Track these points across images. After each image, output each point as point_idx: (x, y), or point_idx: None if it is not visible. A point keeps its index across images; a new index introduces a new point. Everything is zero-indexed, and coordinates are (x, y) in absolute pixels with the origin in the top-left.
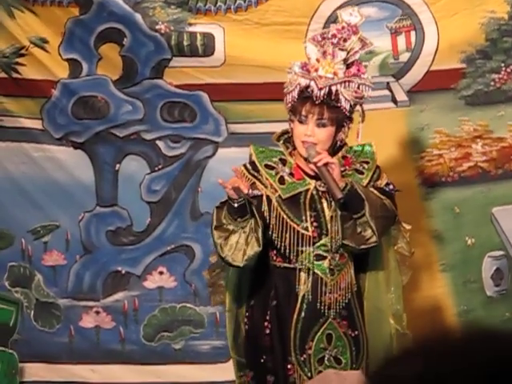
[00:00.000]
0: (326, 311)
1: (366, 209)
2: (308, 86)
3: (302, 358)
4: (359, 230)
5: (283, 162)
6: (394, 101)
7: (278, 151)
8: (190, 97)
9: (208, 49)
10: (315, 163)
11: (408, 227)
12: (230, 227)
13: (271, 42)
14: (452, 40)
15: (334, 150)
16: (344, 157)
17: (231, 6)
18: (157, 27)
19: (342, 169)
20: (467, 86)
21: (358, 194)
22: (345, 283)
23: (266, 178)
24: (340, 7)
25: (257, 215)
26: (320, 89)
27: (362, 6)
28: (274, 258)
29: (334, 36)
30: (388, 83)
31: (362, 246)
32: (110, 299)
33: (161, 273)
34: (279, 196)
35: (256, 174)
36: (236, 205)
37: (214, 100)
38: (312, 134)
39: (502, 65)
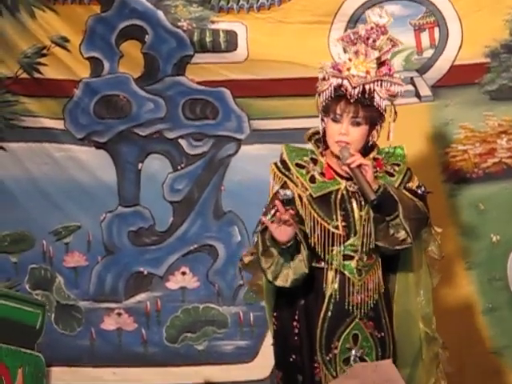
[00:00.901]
0: (353, 311)
1: (399, 210)
2: (341, 85)
3: (328, 358)
4: (392, 231)
5: (314, 161)
6: (418, 96)
7: (308, 150)
8: (212, 93)
9: (231, 45)
10: (349, 165)
11: (439, 230)
12: (274, 252)
13: (294, 39)
14: (476, 35)
15: (365, 150)
16: (375, 158)
17: (254, 5)
18: (179, 24)
19: (374, 170)
20: (491, 80)
21: (391, 196)
22: (372, 284)
23: (297, 177)
24: (363, 5)
25: (299, 235)
26: (354, 87)
27: (385, 4)
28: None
29: (364, 36)
30: (412, 78)
31: (397, 247)
32: (132, 301)
33: (183, 273)
34: (310, 195)
35: (287, 172)
36: (284, 247)
37: (236, 96)
38: (346, 132)
39: None
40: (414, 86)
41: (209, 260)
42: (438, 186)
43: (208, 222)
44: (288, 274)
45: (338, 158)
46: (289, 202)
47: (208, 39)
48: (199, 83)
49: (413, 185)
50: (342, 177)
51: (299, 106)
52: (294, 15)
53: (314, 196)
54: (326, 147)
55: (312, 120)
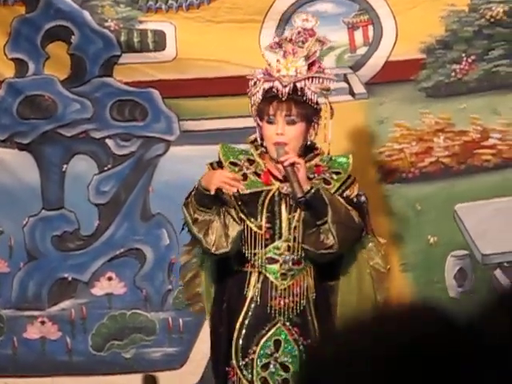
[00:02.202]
0: (275, 316)
1: (328, 214)
2: (272, 87)
3: (244, 362)
4: (322, 237)
5: (250, 161)
6: (352, 93)
7: (247, 151)
8: (141, 94)
9: (159, 45)
10: (282, 162)
11: (383, 241)
12: (207, 217)
13: (225, 38)
14: (411, 32)
15: (305, 151)
16: (317, 165)
17: (183, 4)
18: (106, 24)
19: (311, 176)
20: (427, 77)
21: (322, 199)
22: (299, 289)
23: None
24: (294, 3)
25: (227, 200)
26: (285, 86)
27: (318, 2)
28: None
29: (291, 40)
30: (345, 75)
31: (322, 251)
32: (56, 308)
33: (110, 278)
34: (237, 191)
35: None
36: (213, 192)
37: (165, 97)
38: (282, 131)
39: (463, 55)
40: (348, 83)
41: (136, 264)
42: (372, 185)
43: (135, 225)
44: (225, 236)
45: (277, 162)
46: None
47: (136, 39)
48: (127, 84)
49: (351, 193)
50: (277, 179)
51: (230, 105)
52: (224, 14)
53: (242, 193)
54: (267, 151)
55: (244, 120)
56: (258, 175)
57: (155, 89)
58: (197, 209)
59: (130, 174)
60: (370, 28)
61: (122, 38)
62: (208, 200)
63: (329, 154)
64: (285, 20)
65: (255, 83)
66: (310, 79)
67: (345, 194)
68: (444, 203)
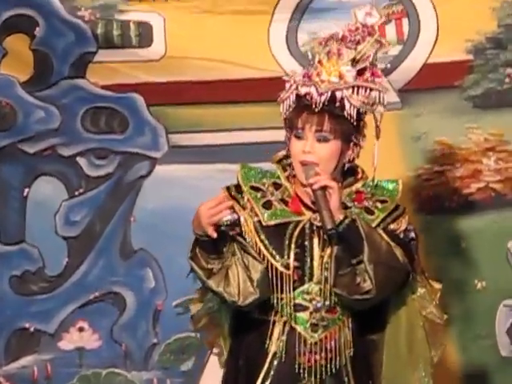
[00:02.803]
0: (304, 376)
1: (364, 251)
2: (307, 94)
3: None
4: (358, 279)
5: (276, 185)
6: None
7: (272, 174)
8: (121, 100)
9: (144, 40)
10: (311, 185)
11: (438, 286)
12: (220, 265)
13: (225, 33)
14: (455, 27)
15: (344, 175)
16: (358, 192)
17: None
18: (79, 14)
19: (349, 204)
20: (475, 83)
21: (357, 232)
22: (334, 344)
23: (248, 200)
24: None
25: (239, 238)
26: (320, 94)
27: None
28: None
29: (344, 38)
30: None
31: (356, 296)
32: (15, 365)
33: (81, 329)
34: (259, 221)
35: (238, 196)
36: (214, 235)
37: (150, 104)
38: (311, 149)
39: None
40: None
41: (114, 312)
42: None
43: (113, 263)
44: (249, 279)
45: (305, 185)
46: (233, 226)
47: (115, 32)
48: (104, 87)
49: (398, 227)
50: (309, 209)
51: (232, 115)
52: (225, 4)
53: (265, 223)
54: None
55: (251, 134)
56: (286, 203)
57: (138, 94)
58: (208, 258)
59: (106, 200)
60: (405, 22)
61: (99, 31)
62: (213, 245)
63: (373, 180)
64: (300, 10)
65: (290, 87)
66: (355, 89)
67: (389, 228)
68: (495, 240)
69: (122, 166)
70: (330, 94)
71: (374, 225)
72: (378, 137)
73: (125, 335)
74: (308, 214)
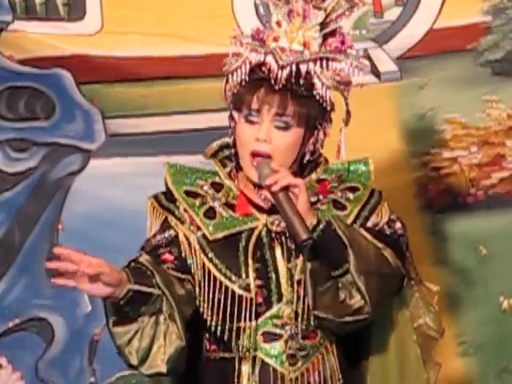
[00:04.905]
0: None
1: (350, 260)
2: (263, 64)
3: None
4: (343, 295)
5: (217, 186)
6: (376, 73)
7: (209, 172)
8: (44, 78)
9: (75, 10)
10: (269, 187)
11: (435, 288)
12: (138, 320)
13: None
14: None
15: (301, 167)
16: (319, 180)
17: None
18: None
19: (313, 199)
20: (495, 45)
21: (337, 238)
22: (318, 377)
23: (185, 210)
24: None
25: (167, 291)
26: (282, 67)
27: None
28: (207, 345)
29: None
30: (366, 50)
31: (347, 319)
32: None
33: None
34: (203, 236)
35: (171, 206)
36: (122, 302)
37: (82, 82)
38: (268, 138)
39: None
40: (370, 59)
41: (39, 344)
42: (411, 216)
43: (38, 283)
44: (162, 351)
45: (259, 187)
46: (169, 247)
47: (38, 0)
48: (22, 62)
49: (379, 219)
50: (263, 210)
51: (184, 93)
52: None
53: (211, 238)
54: (240, 165)
55: (209, 116)
56: (232, 207)
57: (66, 69)
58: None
59: (27, 203)
60: None
61: None
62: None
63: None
64: None
65: (237, 54)
66: (324, 60)
67: (370, 223)
68: None
69: (46, 160)
70: (294, 67)
71: (349, 221)
72: (347, 123)
73: (53, 373)
74: (262, 218)
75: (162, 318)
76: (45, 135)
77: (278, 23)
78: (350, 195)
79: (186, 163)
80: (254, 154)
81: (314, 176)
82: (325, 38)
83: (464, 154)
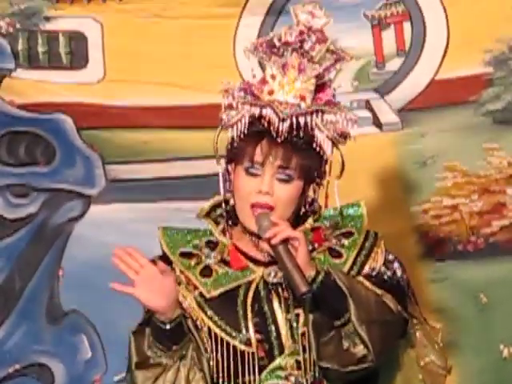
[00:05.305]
0: None
1: (351, 310)
2: (261, 117)
3: None
4: (346, 344)
5: (211, 244)
6: (378, 124)
7: (203, 231)
8: (44, 123)
9: (77, 59)
10: (268, 239)
11: (437, 326)
12: (162, 361)
13: (179, 44)
14: (470, 34)
15: (296, 217)
16: (314, 228)
17: None
18: None
19: (309, 247)
20: (496, 96)
21: (337, 288)
22: None
23: (181, 271)
24: None
25: (196, 334)
26: (283, 119)
27: None
28: None
29: (295, 42)
30: (368, 102)
31: (351, 368)
32: None
33: None
34: (200, 295)
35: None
36: (168, 326)
37: (83, 127)
38: (270, 190)
39: None
40: (372, 110)
41: None
42: (411, 263)
43: (38, 329)
44: None
45: (254, 234)
46: None
47: (41, 49)
48: (22, 107)
49: (375, 263)
50: (260, 263)
51: (184, 140)
52: (179, 5)
53: (209, 296)
54: (232, 221)
55: (209, 162)
56: (228, 263)
57: (67, 115)
58: (155, 345)
59: (27, 249)
60: (407, 26)
61: (20, 47)
62: (163, 335)
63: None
64: (274, 13)
65: (231, 106)
66: (320, 113)
67: (367, 267)
68: None
69: (47, 205)
70: (294, 120)
71: (346, 268)
72: (341, 175)
73: None
74: (259, 270)
75: (182, 364)
76: (45, 181)
77: (273, 76)
78: (345, 241)
79: (187, 209)
80: (256, 206)
81: (307, 225)
82: (315, 91)
83: (465, 201)
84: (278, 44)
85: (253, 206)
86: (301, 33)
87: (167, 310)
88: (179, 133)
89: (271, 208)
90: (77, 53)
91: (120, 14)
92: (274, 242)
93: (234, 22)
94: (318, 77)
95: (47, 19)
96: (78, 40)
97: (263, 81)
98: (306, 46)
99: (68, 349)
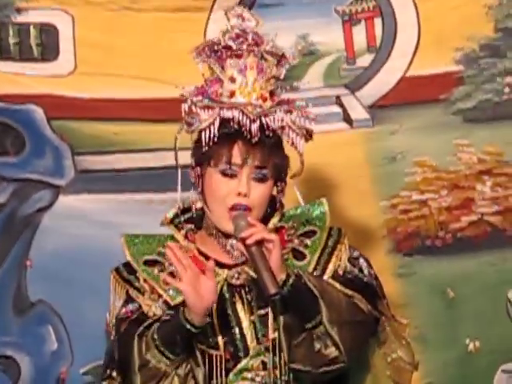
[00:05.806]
0: None
1: (322, 312)
2: (231, 120)
3: None
4: (318, 346)
5: None
6: (348, 120)
7: (166, 236)
8: (14, 113)
9: (48, 50)
10: (243, 239)
11: (404, 321)
12: (161, 367)
13: (150, 36)
14: (441, 31)
15: (264, 218)
16: (278, 228)
17: None
18: None
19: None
20: (466, 95)
21: (308, 290)
22: None
23: (145, 280)
24: None
25: (196, 347)
26: (253, 120)
27: None
28: None
29: (228, 47)
30: (338, 98)
31: (324, 369)
32: None
33: None
34: (165, 302)
35: (131, 277)
36: (196, 330)
37: (52, 117)
38: (248, 192)
39: None
40: (342, 106)
41: (6, 382)
42: (379, 258)
43: (4, 320)
44: None
45: (224, 235)
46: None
47: (12, 40)
48: None
49: (339, 262)
50: (224, 266)
51: (155, 132)
52: None
53: (173, 303)
54: (195, 225)
55: (180, 154)
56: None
57: (37, 106)
58: (160, 351)
59: None
60: (378, 22)
61: None
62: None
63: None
64: (247, 3)
65: (192, 111)
66: (288, 111)
67: (331, 267)
68: (492, 288)
69: (16, 196)
70: (264, 120)
71: (310, 268)
72: (299, 173)
73: None
74: (223, 273)
75: (182, 369)
76: (14, 171)
77: (232, 79)
78: (308, 241)
79: (158, 201)
80: (234, 208)
81: (271, 225)
82: (272, 92)
83: (434, 196)
84: (217, 48)
85: (232, 208)
86: (237, 36)
87: (202, 311)
88: (150, 125)
89: (250, 209)
90: (48, 45)
91: (91, 7)
92: (249, 242)
93: (205, 15)
94: (276, 77)
95: (18, 11)
96: (49, 32)
97: (217, 82)
98: (262, 48)
99: (34, 340)
